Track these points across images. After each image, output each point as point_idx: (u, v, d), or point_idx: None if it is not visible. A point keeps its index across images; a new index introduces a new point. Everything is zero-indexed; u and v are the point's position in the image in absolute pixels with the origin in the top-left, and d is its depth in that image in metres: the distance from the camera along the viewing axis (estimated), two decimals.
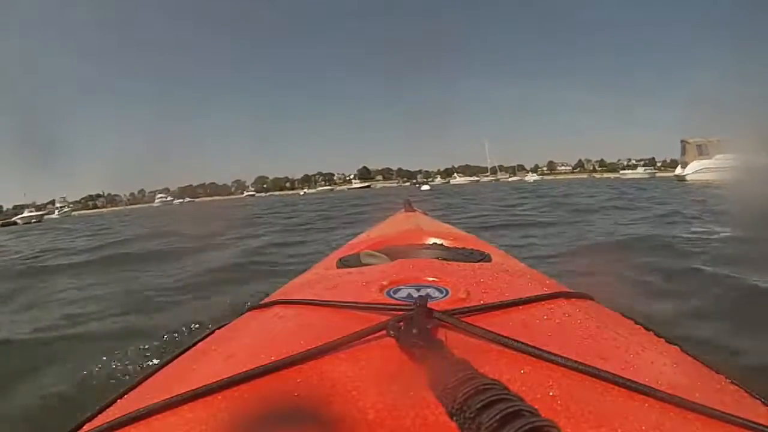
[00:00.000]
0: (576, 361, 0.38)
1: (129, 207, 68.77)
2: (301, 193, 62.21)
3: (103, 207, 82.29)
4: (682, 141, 22.07)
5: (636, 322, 0.60)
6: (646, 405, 0.35)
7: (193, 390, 0.38)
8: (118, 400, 0.47)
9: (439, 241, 1.24)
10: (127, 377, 1.49)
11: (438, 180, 76.82)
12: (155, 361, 1.54)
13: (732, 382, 0.47)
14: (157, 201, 67.78)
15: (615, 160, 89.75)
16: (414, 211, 2.05)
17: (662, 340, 0.55)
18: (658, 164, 72.80)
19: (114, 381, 1.49)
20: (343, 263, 1.00)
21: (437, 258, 0.95)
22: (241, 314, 0.69)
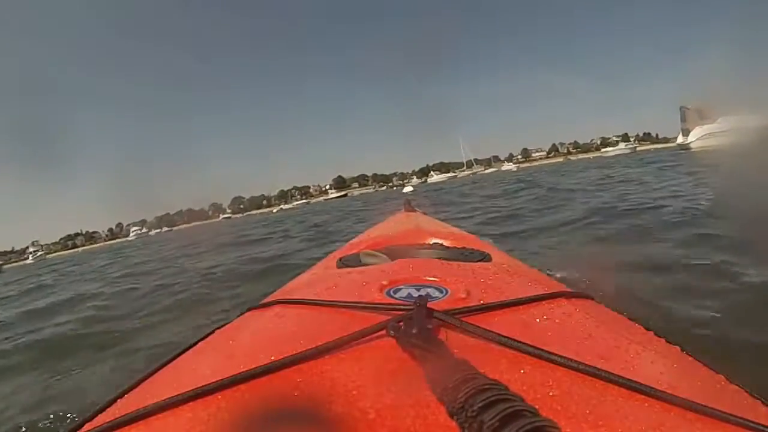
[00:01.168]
0: (576, 361, 0.38)
1: (108, 243, 68.04)
2: (274, 210, 60.51)
3: (82, 245, 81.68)
4: (681, 107, 21.12)
5: (636, 322, 0.60)
6: (646, 405, 0.35)
7: (193, 390, 0.38)
8: (118, 400, 0.47)
9: (439, 241, 1.24)
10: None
11: (415, 180, 75.88)
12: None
13: (732, 382, 0.47)
14: (132, 234, 67.07)
15: (588, 141, 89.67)
16: (414, 210, 2.06)
17: (662, 340, 0.55)
18: (632, 139, 72.35)
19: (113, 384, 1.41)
20: (343, 263, 1.00)
21: (437, 258, 0.95)
22: (241, 314, 0.69)
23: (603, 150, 60.39)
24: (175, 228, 64.65)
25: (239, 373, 0.39)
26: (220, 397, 0.38)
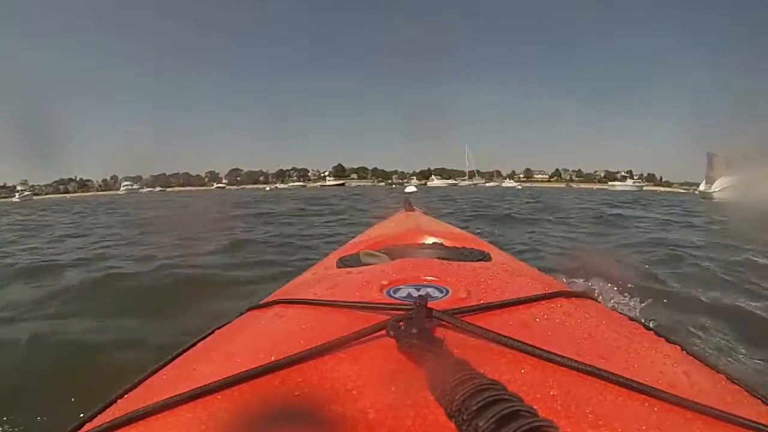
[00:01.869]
0: (576, 361, 0.38)
1: (99, 193, 66.68)
2: (267, 188, 56.47)
3: (74, 192, 79.24)
4: (708, 153, 20.73)
5: (636, 322, 0.60)
6: (646, 404, 0.35)
7: (193, 390, 0.38)
8: (118, 400, 0.47)
9: (438, 241, 1.23)
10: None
11: (414, 181, 74.51)
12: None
13: (732, 382, 0.47)
14: (122, 189, 65.73)
15: (592, 171, 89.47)
16: (414, 210, 2.06)
17: (662, 339, 0.55)
18: (635, 177, 71.12)
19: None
20: (343, 263, 1.00)
21: (437, 257, 0.95)
22: (241, 314, 0.69)
23: (610, 183, 59.84)
24: (168, 189, 64.18)
25: (239, 373, 0.39)
26: (220, 397, 0.38)
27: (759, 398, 0.45)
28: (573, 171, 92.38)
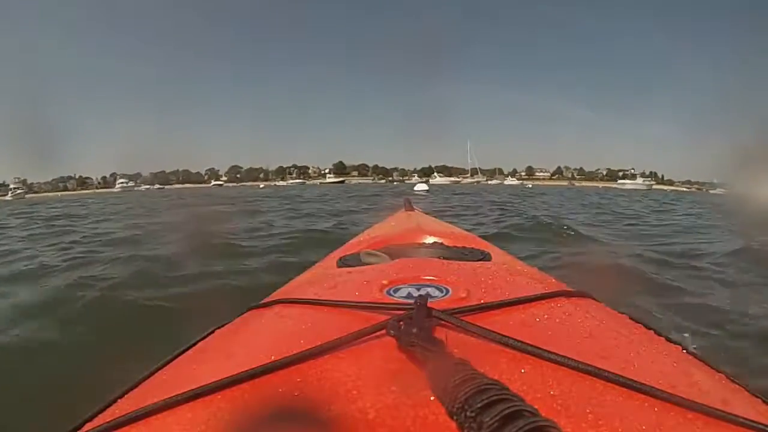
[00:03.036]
0: (576, 361, 0.38)
1: (98, 191, 65.78)
2: (261, 186, 53.46)
3: (74, 190, 78.76)
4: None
5: (637, 321, 0.60)
6: (647, 404, 0.35)
7: (193, 390, 0.38)
8: (118, 400, 0.47)
9: (439, 240, 1.23)
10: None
11: (415, 179, 73.83)
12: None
13: (733, 381, 0.47)
14: (117, 186, 64.25)
15: (593, 169, 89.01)
16: (414, 210, 2.05)
17: (663, 339, 0.55)
18: (636, 174, 70.17)
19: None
20: (344, 262, 1.00)
21: (437, 257, 0.95)
22: (241, 314, 0.69)
23: (620, 182, 58.72)
24: (167, 186, 63.15)
25: (239, 373, 0.39)
26: (220, 397, 0.38)
27: (759, 398, 0.45)
28: (574, 169, 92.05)
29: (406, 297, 0.56)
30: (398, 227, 1.50)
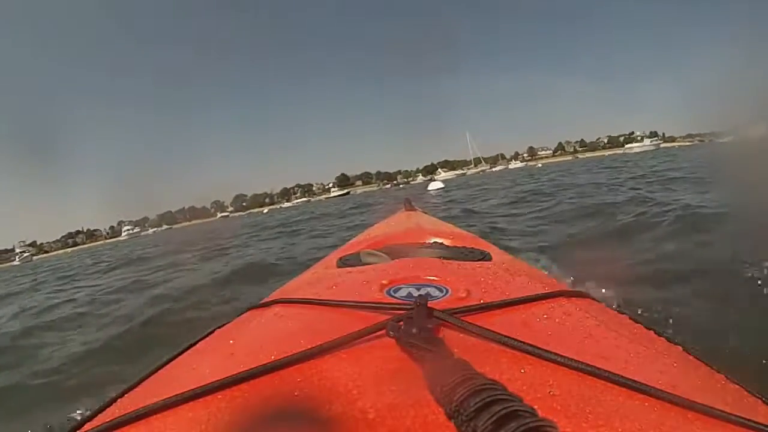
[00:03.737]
0: (576, 361, 0.38)
1: (107, 241, 66.62)
2: (265, 210, 54.55)
3: (83, 244, 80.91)
4: None
5: (636, 321, 0.60)
6: (647, 404, 0.35)
7: (193, 390, 0.38)
8: (118, 400, 0.47)
9: (439, 240, 1.23)
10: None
11: (420, 178, 73.20)
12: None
13: (732, 381, 0.47)
14: (123, 234, 65.78)
15: (595, 139, 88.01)
16: (414, 209, 2.05)
17: (663, 339, 0.55)
18: (643, 137, 69.14)
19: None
20: (344, 262, 1.00)
21: (437, 257, 0.95)
22: (241, 313, 0.69)
23: (627, 147, 57.59)
24: (175, 226, 63.73)
25: (239, 372, 0.39)
26: (220, 397, 0.38)
27: (759, 397, 0.45)
28: (576, 142, 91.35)
29: (406, 297, 0.56)
30: (398, 227, 1.50)
